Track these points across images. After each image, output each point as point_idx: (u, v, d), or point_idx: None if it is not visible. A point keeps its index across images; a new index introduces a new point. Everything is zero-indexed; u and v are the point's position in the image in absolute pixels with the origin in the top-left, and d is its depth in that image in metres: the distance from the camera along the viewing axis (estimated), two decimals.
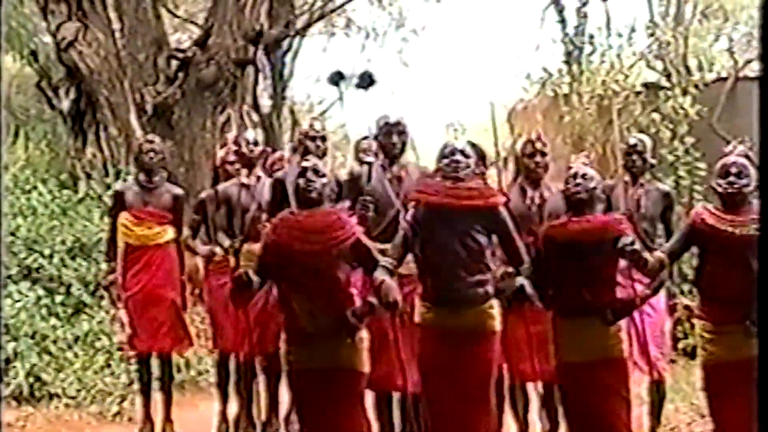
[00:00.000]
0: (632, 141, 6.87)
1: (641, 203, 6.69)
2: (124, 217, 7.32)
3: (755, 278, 5.20)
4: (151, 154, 7.38)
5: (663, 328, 6.70)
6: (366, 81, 6.47)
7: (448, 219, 5.55)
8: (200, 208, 7.54)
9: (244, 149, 7.33)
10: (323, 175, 5.54)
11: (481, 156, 6.42)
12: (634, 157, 6.78)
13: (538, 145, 6.48)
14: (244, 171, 7.33)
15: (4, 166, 10.95)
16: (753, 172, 5.44)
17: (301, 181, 5.51)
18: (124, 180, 11.92)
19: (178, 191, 7.58)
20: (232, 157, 7.57)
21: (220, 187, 7.39)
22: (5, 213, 9.80)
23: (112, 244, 7.48)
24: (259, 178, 7.27)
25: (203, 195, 7.67)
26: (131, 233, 7.33)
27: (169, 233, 7.40)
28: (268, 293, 6.55)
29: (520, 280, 5.52)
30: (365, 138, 7.03)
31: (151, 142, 7.52)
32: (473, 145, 6.13)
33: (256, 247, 5.96)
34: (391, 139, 6.32)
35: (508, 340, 5.92)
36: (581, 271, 5.48)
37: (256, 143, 7.39)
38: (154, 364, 7.65)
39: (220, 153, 7.82)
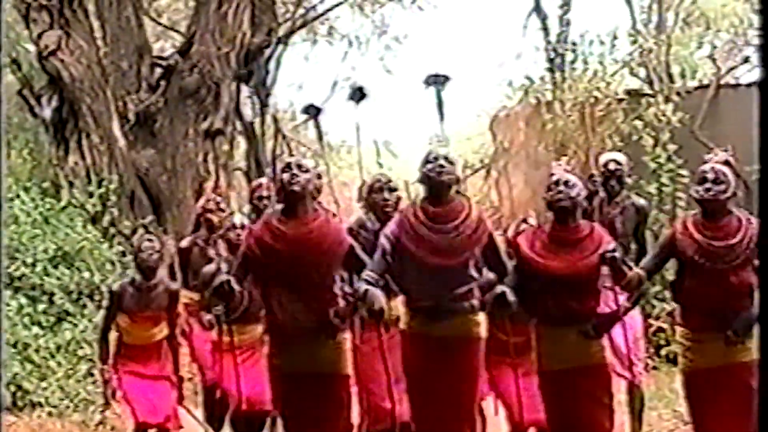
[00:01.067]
0: (612, 167, 6.81)
1: (616, 223, 6.66)
2: (121, 320, 7.09)
3: (735, 290, 5.26)
4: (150, 251, 7.04)
5: (637, 333, 6.71)
6: (357, 95, 6.35)
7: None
8: (182, 256, 7.65)
9: (231, 235, 7.01)
10: (307, 171, 5.45)
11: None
12: (612, 182, 6.76)
13: None
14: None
15: None
16: (731, 178, 5.44)
17: (285, 176, 5.41)
18: (106, 188, 11.93)
19: (174, 286, 7.28)
20: (212, 205, 7.56)
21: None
22: None
23: (105, 343, 7.22)
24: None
25: (184, 243, 7.71)
26: (128, 334, 7.12)
27: (164, 331, 7.19)
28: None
29: (501, 288, 5.43)
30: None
31: (151, 240, 7.19)
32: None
33: None
34: (382, 195, 6.24)
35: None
36: (564, 279, 5.46)
37: (242, 227, 7.01)
38: None
39: (201, 202, 7.84)
